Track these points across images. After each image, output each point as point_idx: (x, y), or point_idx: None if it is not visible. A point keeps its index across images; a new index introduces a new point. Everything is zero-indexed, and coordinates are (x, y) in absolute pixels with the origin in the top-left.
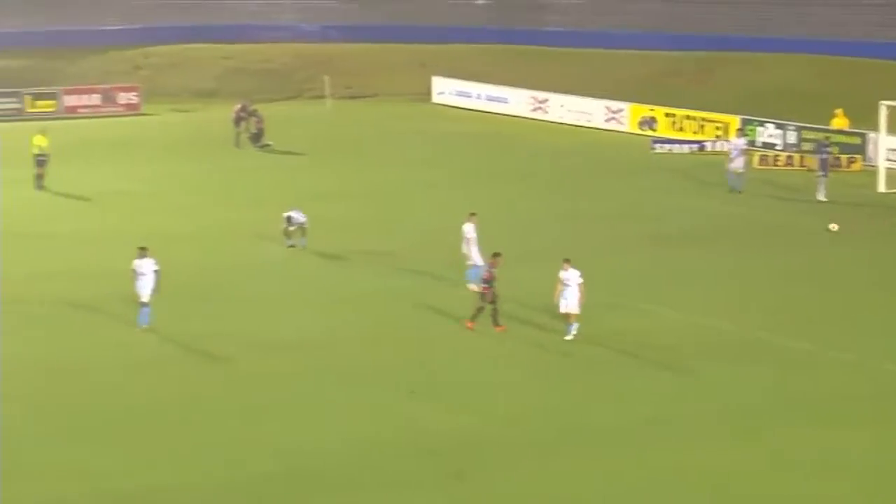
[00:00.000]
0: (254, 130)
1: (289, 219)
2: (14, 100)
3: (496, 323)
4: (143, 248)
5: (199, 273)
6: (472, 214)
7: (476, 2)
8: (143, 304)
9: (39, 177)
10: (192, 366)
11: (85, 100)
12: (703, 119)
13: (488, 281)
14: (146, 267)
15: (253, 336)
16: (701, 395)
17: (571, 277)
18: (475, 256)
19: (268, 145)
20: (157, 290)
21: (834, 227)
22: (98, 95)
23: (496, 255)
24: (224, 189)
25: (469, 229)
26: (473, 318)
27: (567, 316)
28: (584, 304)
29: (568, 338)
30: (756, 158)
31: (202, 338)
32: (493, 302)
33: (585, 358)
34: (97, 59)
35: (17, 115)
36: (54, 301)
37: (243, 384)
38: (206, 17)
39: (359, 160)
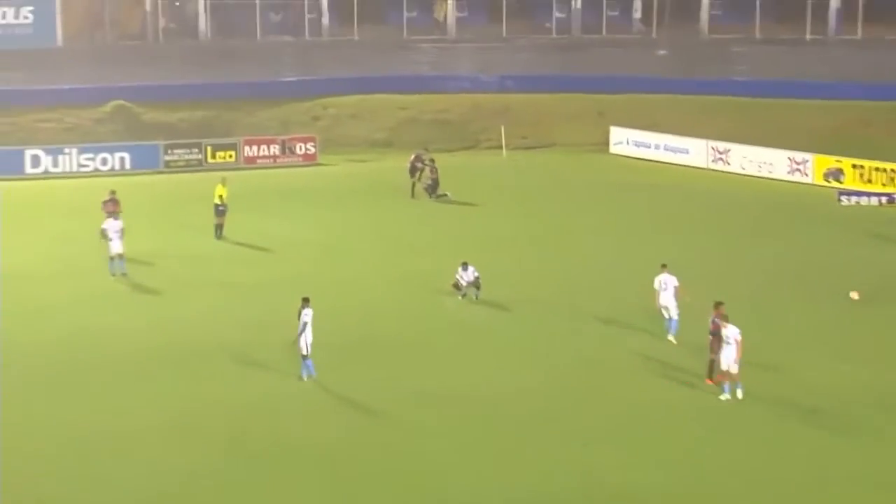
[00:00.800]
0: (429, 182)
1: (463, 268)
2: (196, 150)
3: (709, 375)
4: (305, 299)
5: (370, 322)
6: (664, 266)
7: (656, 52)
8: (304, 357)
9: (219, 227)
10: (358, 415)
11: (264, 150)
12: (894, 171)
13: (714, 332)
14: (311, 316)
15: (420, 387)
16: (885, 454)
17: (731, 334)
18: (673, 308)
19: (444, 196)
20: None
21: (854, 295)
22: (276, 146)
23: (718, 304)
24: (397, 239)
25: (666, 280)
26: (710, 373)
27: (725, 374)
28: (745, 361)
29: (723, 397)
30: None
31: (369, 387)
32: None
33: (765, 414)
34: (275, 110)
35: (199, 166)
36: (222, 347)
37: (410, 435)
38: (384, 69)
39: (535, 210)
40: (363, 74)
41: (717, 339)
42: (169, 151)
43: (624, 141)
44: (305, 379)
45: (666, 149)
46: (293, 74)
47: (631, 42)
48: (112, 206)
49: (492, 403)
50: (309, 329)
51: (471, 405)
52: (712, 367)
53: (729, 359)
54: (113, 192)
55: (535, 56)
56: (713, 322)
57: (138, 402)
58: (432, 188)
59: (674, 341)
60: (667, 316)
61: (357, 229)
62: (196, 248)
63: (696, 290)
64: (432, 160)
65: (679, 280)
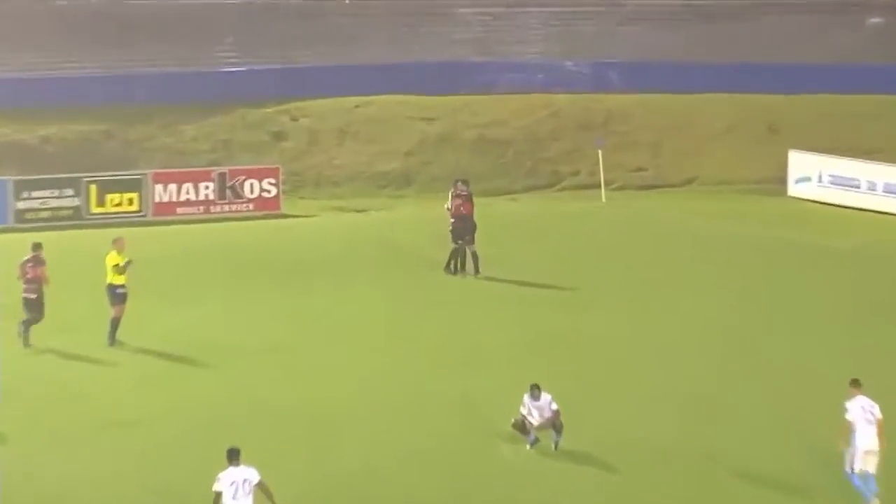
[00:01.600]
0: (451, 221)
1: (532, 397)
2: (70, 192)
3: None
4: (234, 451)
5: (366, 487)
6: (856, 384)
7: (866, 19)
8: None
9: (115, 323)
10: None
11: (188, 192)
12: None
13: None
14: (237, 482)
15: None
16: None
17: None
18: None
19: (467, 255)
20: None
21: None
22: (210, 184)
23: None
24: (419, 343)
25: (870, 409)
26: None
27: None
28: None
29: None
30: None
31: None
32: None
33: None
34: (209, 122)
35: (77, 219)
36: None
37: None
38: (396, 51)
39: (654, 295)
40: (361, 61)
41: None
42: (23, 194)
43: (813, 175)
44: None
45: (887, 190)
46: (240, 60)
47: (821, 4)
48: (32, 271)
49: None
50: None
51: None
52: None
53: None
54: (37, 247)
55: (655, 29)
56: None
57: None
58: (459, 232)
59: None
60: (860, 469)
61: (347, 327)
62: (70, 361)
63: None
64: (465, 183)
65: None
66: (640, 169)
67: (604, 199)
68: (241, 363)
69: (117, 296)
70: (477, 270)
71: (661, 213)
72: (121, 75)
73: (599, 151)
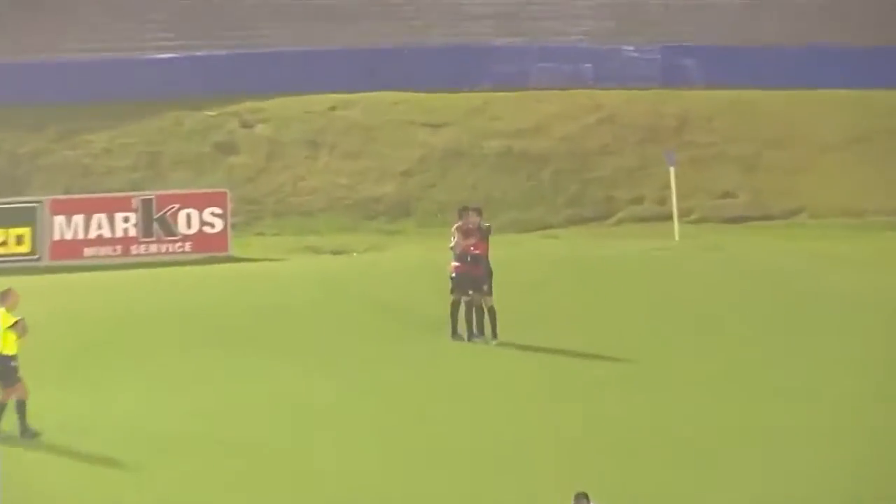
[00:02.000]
0: (454, 265)
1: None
2: None
3: None
4: None
5: None
6: None
7: None
8: None
9: (8, 408)
10: None
11: (100, 226)
12: None
13: None
14: None
15: None
16: None
17: None
18: None
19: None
20: None
21: None
22: (131, 215)
23: None
24: (413, 436)
25: None
26: None
27: None
28: None
29: None
30: None
31: None
32: None
33: None
34: (131, 128)
35: None
36: None
37: None
38: (387, 33)
39: (733, 372)
40: (339, 44)
41: None
42: None
43: None
44: None
45: None
46: (174, 43)
47: None
48: None
49: None
50: None
51: None
52: None
53: None
54: None
55: (751, 2)
56: None
57: None
58: (467, 281)
59: None
60: None
61: (319, 415)
62: None
63: None
64: (477, 212)
65: None
66: (727, 195)
67: (677, 237)
68: (172, 464)
69: (11, 370)
70: (495, 335)
71: (757, 255)
72: (4, 64)
73: (671, 170)
